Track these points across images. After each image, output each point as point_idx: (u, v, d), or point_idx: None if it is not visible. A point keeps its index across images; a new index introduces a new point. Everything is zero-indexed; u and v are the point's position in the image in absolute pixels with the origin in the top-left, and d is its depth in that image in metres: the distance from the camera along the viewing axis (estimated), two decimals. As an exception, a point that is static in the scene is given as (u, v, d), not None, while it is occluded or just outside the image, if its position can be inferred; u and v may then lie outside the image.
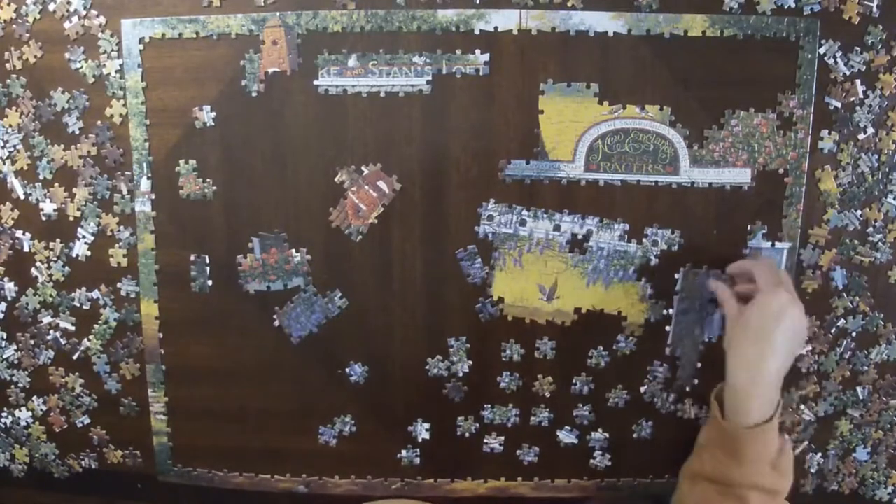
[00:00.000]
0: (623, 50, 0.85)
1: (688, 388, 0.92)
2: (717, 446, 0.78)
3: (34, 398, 0.98)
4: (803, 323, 0.77)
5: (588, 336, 0.90)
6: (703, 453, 0.81)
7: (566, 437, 0.93)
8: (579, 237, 0.88)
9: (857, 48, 0.84)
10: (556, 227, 0.88)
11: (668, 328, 0.90)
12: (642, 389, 0.92)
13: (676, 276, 0.89)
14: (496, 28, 0.85)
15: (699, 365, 0.91)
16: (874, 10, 0.83)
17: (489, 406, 0.93)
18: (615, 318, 0.90)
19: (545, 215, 0.88)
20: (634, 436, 0.93)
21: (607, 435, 0.93)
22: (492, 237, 0.89)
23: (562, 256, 0.89)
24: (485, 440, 0.94)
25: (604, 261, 0.89)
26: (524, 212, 0.88)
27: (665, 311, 0.89)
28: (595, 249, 0.88)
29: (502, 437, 0.94)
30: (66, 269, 0.93)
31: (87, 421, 0.98)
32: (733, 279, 0.85)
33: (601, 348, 0.91)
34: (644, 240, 0.88)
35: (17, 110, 0.90)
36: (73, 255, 0.93)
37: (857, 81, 0.85)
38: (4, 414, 0.99)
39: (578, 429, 0.93)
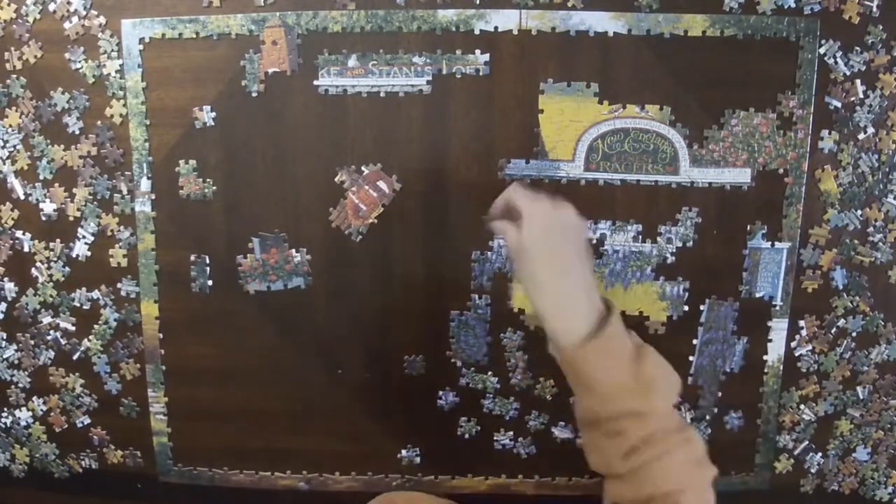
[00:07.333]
0: (623, 50, 0.85)
1: (708, 417, 0.92)
2: (573, 382, 0.68)
3: (34, 398, 0.98)
4: (574, 221, 0.69)
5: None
6: (574, 399, 0.70)
7: (560, 431, 0.94)
8: (593, 241, 0.88)
9: (857, 48, 0.84)
10: None
11: (691, 358, 0.91)
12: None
13: (702, 307, 0.89)
14: (496, 28, 0.85)
15: (720, 394, 0.92)
16: (874, 10, 0.83)
17: (490, 395, 0.93)
18: (637, 319, 0.90)
19: None
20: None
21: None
22: (507, 249, 0.88)
23: None
24: (494, 437, 0.94)
25: (620, 263, 0.89)
26: None
27: (685, 308, 0.90)
28: (611, 252, 0.89)
29: (511, 433, 0.94)
30: (66, 269, 0.93)
31: (87, 421, 0.98)
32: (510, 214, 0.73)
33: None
34: (658, 238, 0.88)
35: (17, 110, 0.90)
36: (73, 256, 0.93)
37: (857, 81, 0.85)
38: (4, 414, 0.99)
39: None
